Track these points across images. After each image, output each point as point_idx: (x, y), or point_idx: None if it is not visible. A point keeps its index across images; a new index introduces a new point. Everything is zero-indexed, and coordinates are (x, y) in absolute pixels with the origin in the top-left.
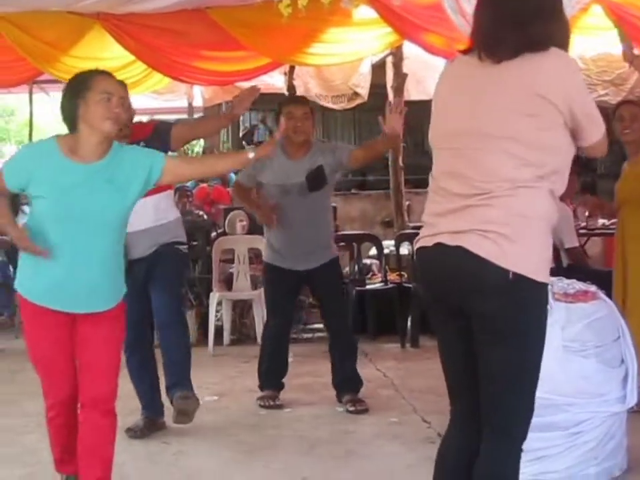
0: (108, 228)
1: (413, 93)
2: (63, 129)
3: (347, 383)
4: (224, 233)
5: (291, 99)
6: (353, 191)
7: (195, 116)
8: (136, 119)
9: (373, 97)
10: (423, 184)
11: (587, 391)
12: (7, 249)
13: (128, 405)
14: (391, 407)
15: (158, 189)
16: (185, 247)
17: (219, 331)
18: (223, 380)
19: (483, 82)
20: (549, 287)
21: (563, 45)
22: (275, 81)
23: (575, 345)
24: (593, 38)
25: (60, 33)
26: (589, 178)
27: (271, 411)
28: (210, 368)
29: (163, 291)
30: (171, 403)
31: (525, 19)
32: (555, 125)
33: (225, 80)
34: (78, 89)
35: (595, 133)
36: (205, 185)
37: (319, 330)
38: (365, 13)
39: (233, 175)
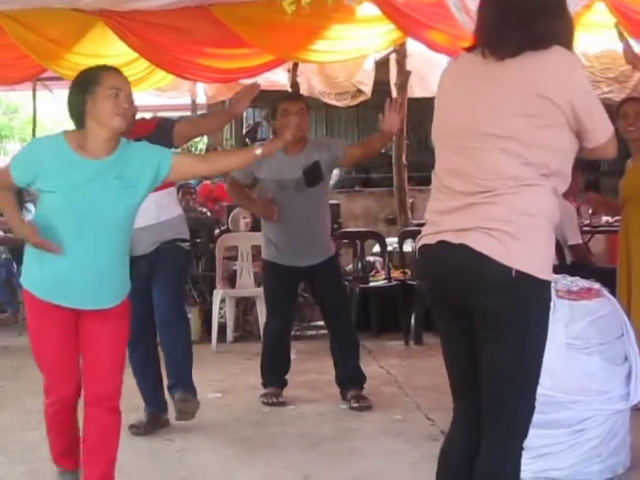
0: (116, 224)
1: (416, 90)
2: (66, 126)
3: (350, 380)
4: (227, 230)
5: (286, 96)
6: (356, 188)
7: (199, 113)
8: (139, 115)
9: (377, 94)
10: (427, 181)
11: (590, 389)
12: (11, 245)
13: (130, 402)
14: (395, 404)
15: (160, 186)
16: (187, 244)
17: (222, 328)
18: (226, 377)
19: (484, 80)
20: (553, 284)
21: (567, 42)
22: (278, 78)
23: (578, 343)
24: (596, 35)
25: (63, 30)
26: (593, 175)
27: (274, 408)
28: (213, 365)
29: (164, 289)
30: (173, 401)
31: (528, 16)
32: (556, 125)
33: (228, 77)
34: (86, 85)
35: (601, 134)
36: (208, 182)
37: (322, 327)
38: (368, 10)
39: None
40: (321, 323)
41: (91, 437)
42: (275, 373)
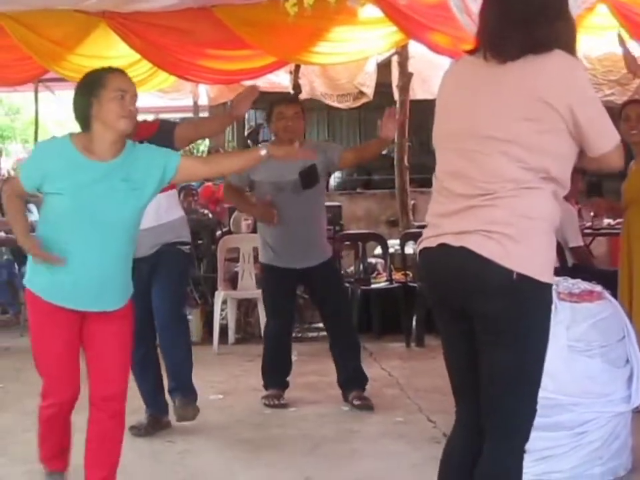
0: (122, 227)
1: (418, 92)
2: (68, 127)
3: (351, 382)
4: (229, 232)
5: (281, 99)
6: (358, 190)
7: (201, 114)
8: (141, 117)
9: (379, 96)
10: (428, 183)
11: (592, 391)
12: (12, 246)
13: (131, 404)
14: (396, 406)
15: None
16: (188, 247)
17: (223, 329)
18: (227, 379)
19: (486, 83)
20: (554, 286)
21: (570, 45)
22: (280, 80)
23: (580, 345)
24: (598, 37)
25: (66, 31)
26: (595, 178)
27: (276, 410)
28: (215, 366)
29: (163, 292)
30: (174, 405)
31: (530, 19)
32: (556, 130)
33: (231, 79)
34: (91, 87)
35: (603, 142)
36: (210, 183)
37: (323, 329)
38: (370, 12)
39: None
40: (322, 324)
41: (94, 439)
42: (276, 374)
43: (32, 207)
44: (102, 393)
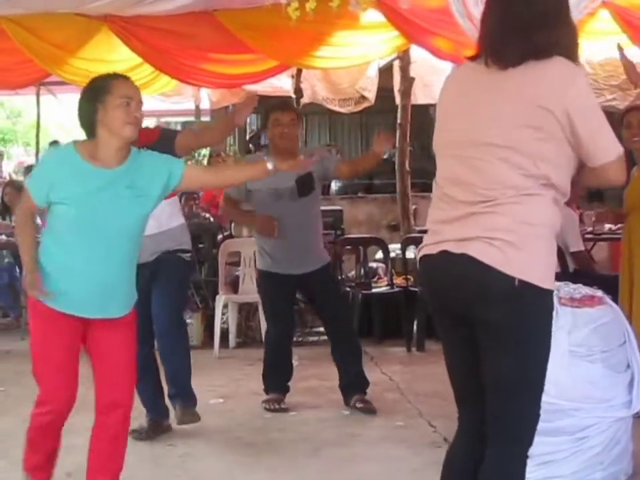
0: (127, 234)
1: (419, 96)
2: (69, 130)
3: (353, 386)
4: (230, 236)
5: (277, 106)
6: (359, 194)
7: (203, 118)
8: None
9: (380, 101)
10: (430, 188)
11: (593, 396)
12: (13, 250)
13: None
14: (397, 410)
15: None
16: (189, 254)
17: (224, 333)
18: (228, 382)
19: (486, 90)
20: (555, 291)
21: (571, 50)
22: (282, 84)
23: (581, 350)
24: (600, 42)
25: (67, 35)
26: None
27: (276, 414)
28: (215, 370)
29: (163, 299)
30: (174, 410)
31: (531, 23)
32: (555, 139)
33: (233, 82)
34: (96, 94)
35: (603, 153)
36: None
37: (324, 333)
38: (372, 16)
39: None
40: (323, 329)
41: (99, 445)
42: (276, 379)
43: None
44: (107, 399)
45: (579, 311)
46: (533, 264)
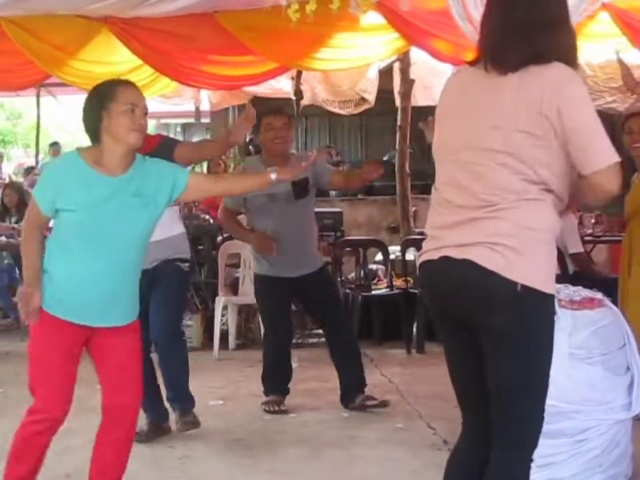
0: (134, 243)
1: (420, 98)
2: (69, 132)
3: (354, 389)
4: (230, 238)
5: (269, 110)
6: (359, 196)
7: (202, 120)
8: None
9: (380, 102)
10: (429, 190)
11: (592, 399)
12: (13, 251)
13: None
14: (397, 412)
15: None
16: (187, 264)
17: (224, 335)
18: (227, 384)
19: (486, 95)
20: (555, 294)
21: (570, 54)
22: (282, 86)
23: (581, 353)
24: (600, 45)
25: (68, 36)
26: None
27: (276, 416)
28: (215, 372)
29: (160, 308)
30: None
31: (532, 27)
32: (551, 145)
33: (233, 84)
34: (101, 100)
35: (595, 160)
36: None
37: (323, 335)
38: (372, 18)
39: None
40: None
41: (105, 452)
42: (276, 381)
43: None
44: (114, 402)
45: (578, 314)
46: (534, 269)
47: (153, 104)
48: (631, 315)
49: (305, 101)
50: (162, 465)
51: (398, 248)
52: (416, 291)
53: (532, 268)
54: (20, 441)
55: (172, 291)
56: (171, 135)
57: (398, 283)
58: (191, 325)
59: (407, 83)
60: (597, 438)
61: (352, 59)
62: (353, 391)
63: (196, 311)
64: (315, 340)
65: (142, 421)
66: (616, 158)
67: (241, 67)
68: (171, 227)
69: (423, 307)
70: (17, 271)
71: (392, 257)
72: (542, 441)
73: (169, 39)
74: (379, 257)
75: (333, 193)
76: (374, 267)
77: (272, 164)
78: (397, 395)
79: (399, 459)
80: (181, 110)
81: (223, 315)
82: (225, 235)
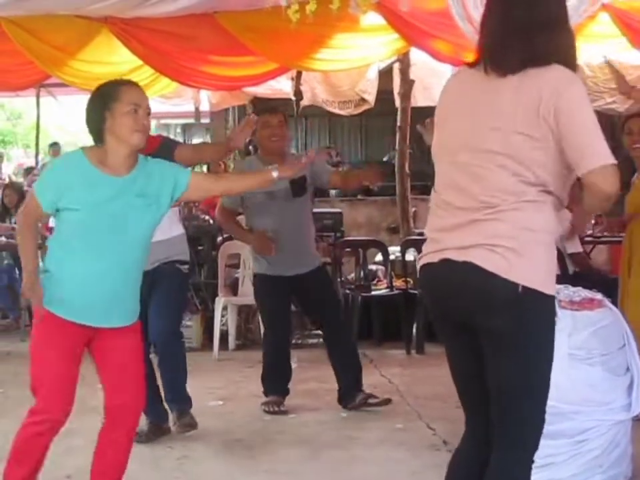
0: (138, 243)
1: (419, 99)
2: (69, 132)
3: (353, 389)
4: (230, 238)
5: (265, 109)
6: (359, 196)
7: (202, 120)
8: None
9: (380, 103)
10: (429, 190)
11: (592, 399)
12: (13, 251)
13: None
14: (396, 413)
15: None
16: (187, 266)
17: (224, 335)
18: (227, 385)
19: (485, 97)
20: (555, 294)
21: (570, 55)
22: (282, 86)
23: (580, 353)
24: (600, 45)
25: (68, 36)
26: None
27: (275, 417)
28: (215, 373)
29: (160, 309)
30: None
31: (532, 27)
32: (550, 147)
33: (233, 85)
34: (104, 101)
35: (590, 159)
36: None
37: (322, 336)
38: (372, 19)
39: None
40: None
41: (105, 452)
42: (276, 381)
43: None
44: (115, 402)
45: (578, 314)
46: (534, 270)
47: (153, 104)
48: (631, 315)
49: (305, 102)
50: (161, 465)
51: (398, 248)
52: (416, 292)
53: (532, 269)
54: (21, 441)
55: (172, 292)
56: (171, 136)
57: (398, 283)
58: (191, 326)
59: (407, 84)
60: (596, 438)
61: (352, 60)
62: (352, 390)
63: (196, 311)
64: (315, 340)
65: (142, 422)
66: (611, 160)
67: (241, 68)
68: (170, 228)
69: (423, 307)
70: (17, 271)
71: (392, 257)
72: (542, 442)
73: (169, 39)
74: (379, 257)
75: (332, 193)
76: (374, 267)
77: (269, 162)
78: (397, 396)
79: (398, 459)
80: (181, 110)
81: (222, 316)
82: (225, 236)
